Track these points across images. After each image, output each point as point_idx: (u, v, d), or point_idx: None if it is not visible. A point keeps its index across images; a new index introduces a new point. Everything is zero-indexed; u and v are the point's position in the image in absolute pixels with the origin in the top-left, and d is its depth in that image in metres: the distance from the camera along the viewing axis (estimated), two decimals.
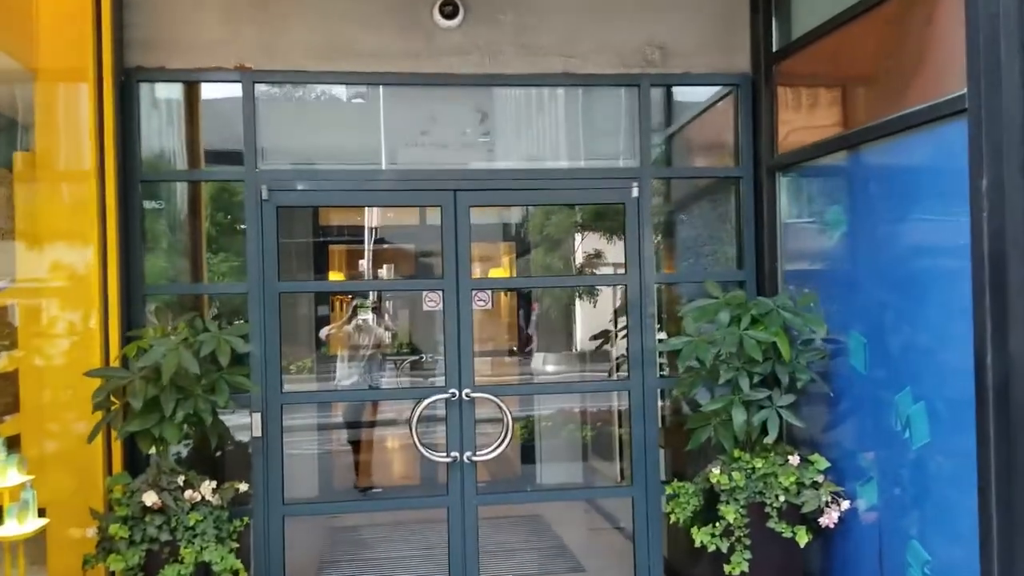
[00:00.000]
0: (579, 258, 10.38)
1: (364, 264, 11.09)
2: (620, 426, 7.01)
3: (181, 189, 5.49)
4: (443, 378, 4.83)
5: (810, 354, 4.27)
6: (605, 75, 4.93)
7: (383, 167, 4.91)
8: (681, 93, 5.52)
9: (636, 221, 4.91)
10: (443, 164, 5.04)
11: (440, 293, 4.85)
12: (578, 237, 10.92)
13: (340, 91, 4.99)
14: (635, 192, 4.89)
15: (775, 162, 4.82)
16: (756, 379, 4.20)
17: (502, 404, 4.86)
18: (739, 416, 4.15)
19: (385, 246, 10.94)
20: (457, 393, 4.77)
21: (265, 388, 4.65)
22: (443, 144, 5.06)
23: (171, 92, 4.99)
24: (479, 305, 5.17)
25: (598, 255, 11.13)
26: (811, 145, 4.52)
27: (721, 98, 5.22)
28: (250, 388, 4.38)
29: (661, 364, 5.15)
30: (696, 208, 5.67)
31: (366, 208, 10.22)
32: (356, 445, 8.16)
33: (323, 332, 9.02)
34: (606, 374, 8.76)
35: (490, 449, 4.84)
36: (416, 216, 9.12)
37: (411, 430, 4.78)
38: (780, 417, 4.18)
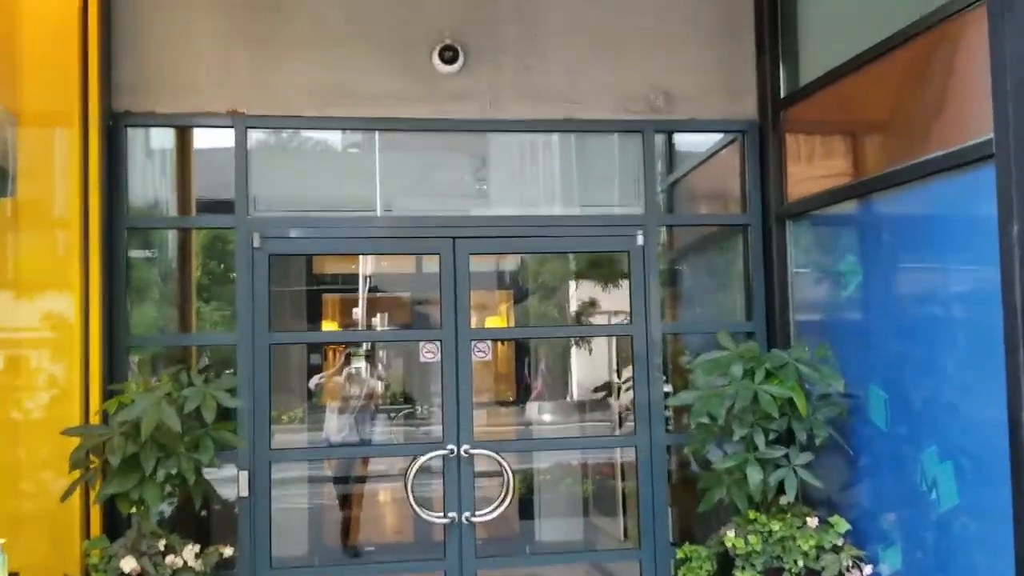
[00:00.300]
0: (573, 306, 10.25)
1: (358, 313, 10.89)
2: (623, 479, 6.76)
3: (171, 237, 5.32)
4: (439, 429, 4.62)
5: (827, 409, 4.07)
6: (608, 120, 4.81)
7: (379, 214, 4.74)
8: (683, 139, 5.40)
9: (641, 270, 4.75)
10: (442, 211, 4.87)
11: (438, 344, 4.65)
12: (572, 285, 10.79)
13: (336, 137, 4.86)
14: (640, 240, 4.73)
15: (784, 210, 4.67)
16: (771, 436, 4.00)
17: (503, 461, 4.63)
18: (755, 475, 3.93)
19: (380, 294, 10.75)
20: (455, 449, 4.54)
21: (253, 444, 4.42)
22: (442, 191, 4.91)
23: (161, 137, 4.83)
24: (479, 356, 4.96)
25: (592, 304, 10.99)
26: (823, 193, 4.37)
27: (726, 145, 5.09)
28: (237, 444, 4.15)
29: (667, 418, 4.93)
30: (700, 257, 5.51)
31: (360, 256, 10.12)
32: (347, 499, 7.87)
33: (313, 381, 8.65)
34: (606, 424, 8.55)
35: (490, 509, 4.59)
36: (412, 264, 8.95)
37: (407, 490, 4.54)
38: (797, 476, 3.97)
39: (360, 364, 9.30)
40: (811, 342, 4.33)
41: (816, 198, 4.43)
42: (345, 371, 8.22)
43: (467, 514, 4.53)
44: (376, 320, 11.56)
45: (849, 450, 4.04)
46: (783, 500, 3.98)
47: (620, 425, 5.55)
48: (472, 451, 4.55)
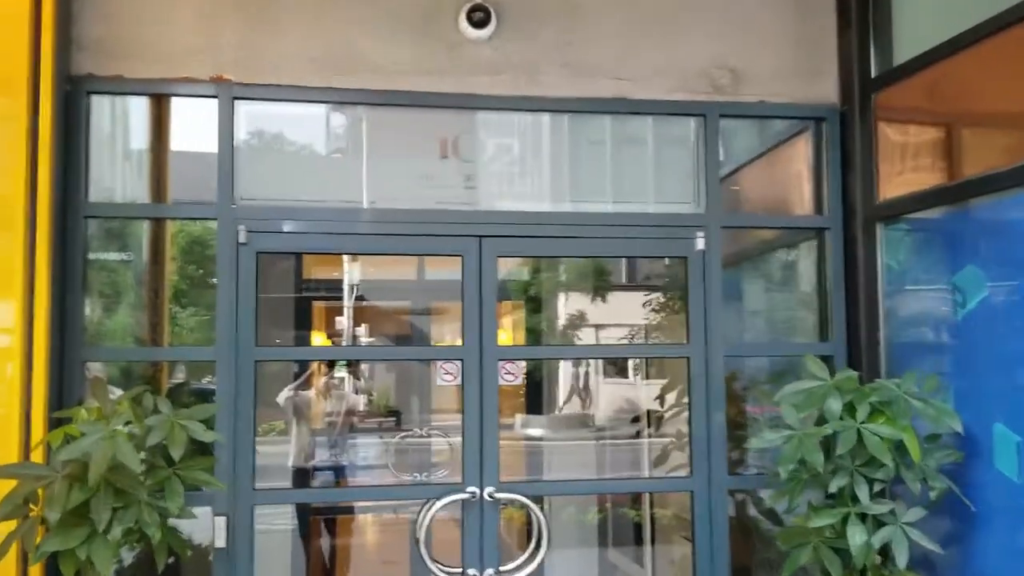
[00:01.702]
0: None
1: (343, 323, 10.01)
2: (652, 507, 6.01)
3: (139, 231, 4.49)
4: (439, 452, 3.84)
5: (940, 455, 3.32)
6: (664, 102, 4.05)
7: (390, 207, 3.95)
8: (731, 125, 4.61)
9: (701, 280, 3.99)
10: (465, 205, 4.09)
11: (459, 364, 3.87)
12: (562, 297, 10.07)
13: (340, 113, 4.05)
14: (700, 244, 3.98)
15: (875, 211, 3.92)
16: (876, 487, 3.25)
17: (535, 508, 3.86)
18: (858, 536, 3.17)
19: (374, 304, 9.91)
20: (478, 493, 3.76)
21: (234, 483, 3.62)
22: (466, 181, 4.12)
23: (132, 108, 4.02)
24: (507, 380, 4.18)
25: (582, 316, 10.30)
26: (930, 191, 3.64)
27: (795, 134, 4.34)
28: (217, 486, 3.36)
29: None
30: (756, 266, 4.75)
31: (351, 260, 9.27)
32: (331, 527, 7.02)
33: (281, 396, 7.16)
34: (627, 444, 7.76)
35: (519, 563, 3.82)
36: (413, 269, 8.08)
37: (418, 541, 3.75)
38: (908, 537, 3.21)
39: (341, 374, 8.35)
40: (911, 371, 3.57)
41: (919, 197, 3.70)
42: (322, 383, 7.18)
43: (490, 571, 3.75)
44: (360, 330, 10.71)
45: (970, 505, 3.28)
46: (892, 567, 3.22)
47: (661, 461, 4.77)
48: (498, 495, 3.78)
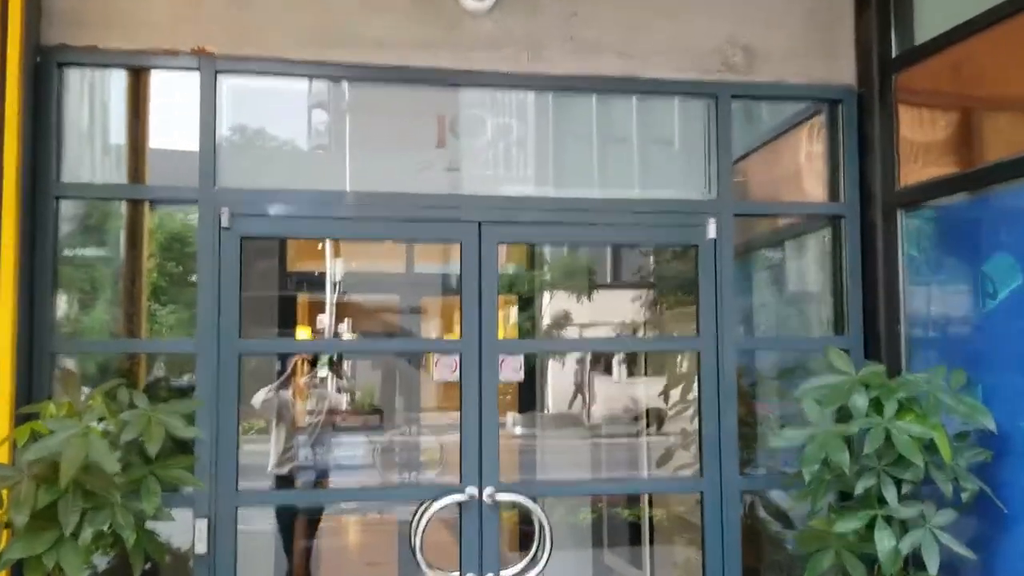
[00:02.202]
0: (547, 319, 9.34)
1: (325, 320, 9.70)
2: (651, 507, 5.79)
3: (116, 218, 4.21)
4: (428, 450, 3.64)
5: (970, 454, 3.13)
6: (673, 81, 3.84)
7: (382, 190, 3.71)
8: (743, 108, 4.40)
9: (712, 268, 3.79)
10: (463, 189, 3.85)
11: (457, 358, 3.64)
12: (546, 296, 9.86)
13: (331, 88, 3.80)
14: (711, 231, 3.77)
15: (895, 198, 3.73)
16: (905, 488, 3.05)
17: (535, 508, 3.64)
18: (886, 541, 2.97)
19: (362, 297, 9.63)
20: (477, 494, 3.54)
21: (216, 484, 3.38)
22: (464, 163, 3.89)
23: (108, 82, 3.76)
24: (509, 376, 3.94)
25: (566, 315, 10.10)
26: (954, 176, 3.45)
27: (808, 117, 4.14)
28: (194, 486, 3.12)
29: None
30: (767, 255, 4.55)
31: (335, 255, 8.99)
32: (313, 528, 6.73)
33: (257, 398, 6.61)
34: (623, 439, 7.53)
35: (520, 568, 3.60)
36: (402, 260, 7.80)
37: (413, 547, 3.52)
38: (939, 542, 3.01)
39: (323, 373, 8.02)
40: (939, 365, 3.38)
41: (943, 183, 3.50)
42: (301, 382, 6.75)
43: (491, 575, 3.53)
44: (346, 326, 10.41)
45: (1003, 507, 3.09)
46: (911, 574, 3.03)
47: (665, 461, 4.56)
48: (499, 496, 3.56)
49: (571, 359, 11.48)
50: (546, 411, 10.36)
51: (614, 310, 8.42)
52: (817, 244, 4.15)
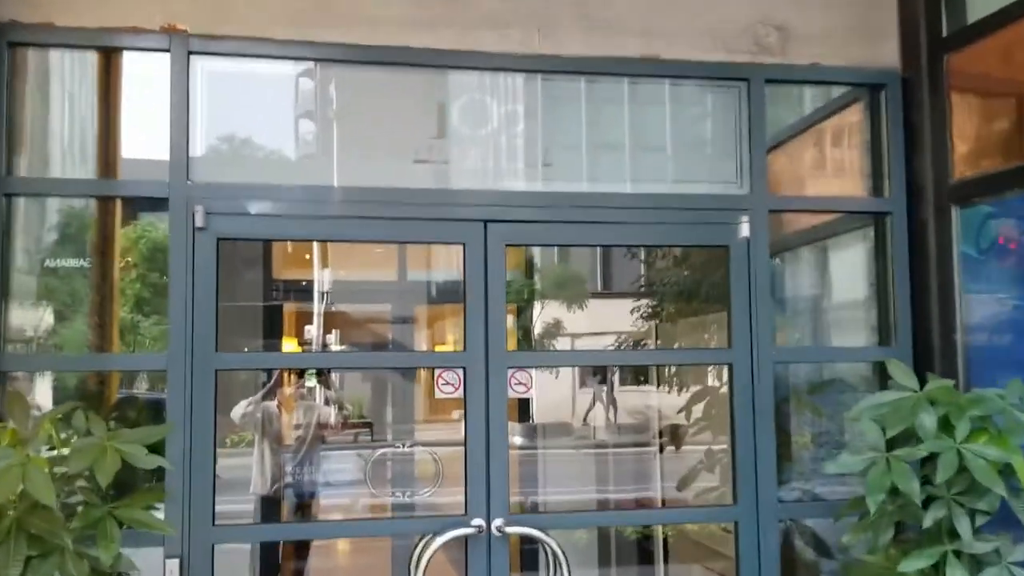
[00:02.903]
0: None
1: (312, 331, 9.22)
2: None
3: (79, 216, 3.79)
4: (425, 466, 3.24)
5: None
6: (700, 63, 3.46)
7: (376, 186, 3.31)
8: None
9: (746, 271, 3.40)
10: (466, 184, 3.45)
11: (460, 372, 3.24)
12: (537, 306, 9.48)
13: (319, 73, 3.39)
14: (744, 230, 3.39)
15: (950, 193, 3.35)
16: (979, 520, 2.66)
17: (549, 541, 3.22)
18: None
19: (354, 307, 9.19)
20: (485, 526, 3.13)
21: (189, 519, 2.96)
22: (467, 155, 3.48)
23: (67, 65, 3.35)
24: (518, 392, 3.54)
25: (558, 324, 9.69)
26: (1019, 169, 3.07)
27: (846, 105, 3.76)
28: (163, 530, 2.70)
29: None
30: (800, 254, 4.15)
31: (323, 264, 8.54)
32: (301, 548, 6.23)
33: (236, 411, 6.01)
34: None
35: None
36: (394, 268, 7.35)
37: None
38: None
39: (311, 383, 7.56)
40: (997, 379, 2.99)
41: (1004, 176, 3.13)
42: (286, 394, 6.22)
43: None
44: (333, 336, 9.94)
45: None
46: None
47: (688, 483, 4.16)
48: (508, 529, 3.15)
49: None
50: (531, 420, 9.94)
51: (614, 318, 8.08)
52: (856, 244, 3.77)
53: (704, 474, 4.08)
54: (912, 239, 3.49)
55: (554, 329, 10.05)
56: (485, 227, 3.26)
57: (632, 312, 7.55)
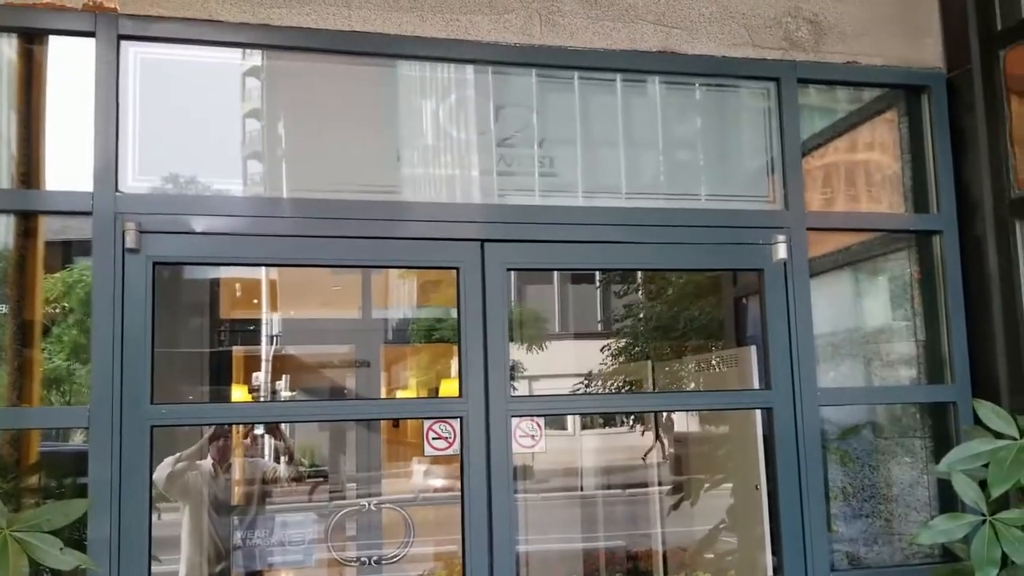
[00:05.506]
0: None
1: (261, 378, 8.44)
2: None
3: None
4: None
5: None
6: (725, 59, 3.00)
7: (352, 197, 2.76)
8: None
9: (784, 298, 2.92)
10: (458, 197, 2.89)
11: (456, 423, 2.67)
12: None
13: (276, 64, 2.82)
14: (781, 251, 2.91)
15: (1011, 207, 2.92)
16: None
17: None
18: None
19: (307, 350, 8.47)
20: None
21: None
22: (459, 164, 2.94)
23: None
24: (524, 445, 2.98)
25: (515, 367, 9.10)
26: None
27: (882, 109, 3.32)
28: None
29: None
30: (831, 278, 3.68)
31: (270, 299, 7.82)
32: None
33: (160, 471, 4.49)
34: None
35: None
36: (355, 304, 6.68)
37: None
38: None
39: (258, 430, 6.79)
40: None
41: None
42: (218, 443, 5.00)
43: None
44: (280, 383, 9.17)
45: None
46: None
47: (710, 544, 3.63)
48: None
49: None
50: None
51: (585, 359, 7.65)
52: (891, 266, 3.31)
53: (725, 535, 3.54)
54: (967, 259, 3.05)
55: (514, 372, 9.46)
56: (482, 248, 2.73)
57: (601, 351, 7.16)
